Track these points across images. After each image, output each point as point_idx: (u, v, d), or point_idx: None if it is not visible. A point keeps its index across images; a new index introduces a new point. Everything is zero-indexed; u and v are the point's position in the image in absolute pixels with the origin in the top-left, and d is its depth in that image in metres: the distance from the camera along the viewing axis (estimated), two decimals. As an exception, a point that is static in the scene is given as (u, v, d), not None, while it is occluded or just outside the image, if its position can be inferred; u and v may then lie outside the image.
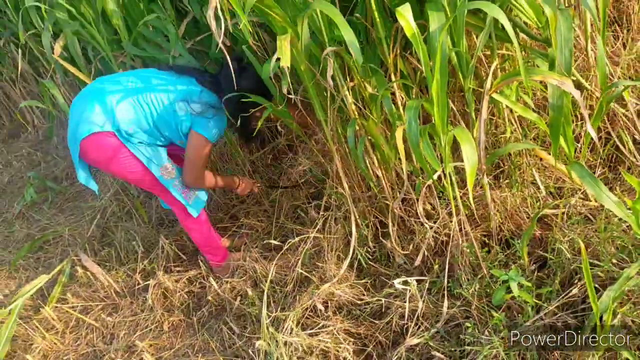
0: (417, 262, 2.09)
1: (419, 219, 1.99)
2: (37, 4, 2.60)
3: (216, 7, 1.42)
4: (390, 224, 2.14)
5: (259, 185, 2.80)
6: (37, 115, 4.87)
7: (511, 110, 2.07)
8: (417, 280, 1.96)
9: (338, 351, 1.88)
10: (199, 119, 2.20)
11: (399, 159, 1.96)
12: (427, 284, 1.98)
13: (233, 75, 1.84)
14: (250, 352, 2.05)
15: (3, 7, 3.58)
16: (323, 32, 1.82)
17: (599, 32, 1.74)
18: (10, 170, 4.57)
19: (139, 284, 2.71)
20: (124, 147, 2.20)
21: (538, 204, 2.07)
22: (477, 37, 1.97)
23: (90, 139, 2.16)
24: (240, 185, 2.65)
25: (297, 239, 2.31)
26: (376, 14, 1.82)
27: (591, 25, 1.94)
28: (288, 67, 1.55)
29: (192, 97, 2.21)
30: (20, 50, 3.21)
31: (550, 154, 1.84)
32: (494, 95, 1.76)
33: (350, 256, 2.16)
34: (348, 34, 1.57)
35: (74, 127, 2.19)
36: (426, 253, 2.09)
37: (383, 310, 2.01)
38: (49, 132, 4.49)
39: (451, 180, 1.87)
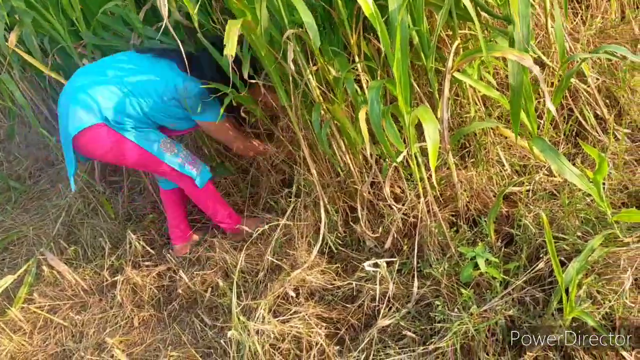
0: (387, 245, 2.09)
1: (388, 202, 2.00)
2: (-12, -5, 2.51)
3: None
4: (360, 208, 2.14)
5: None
6: (-3, 115, 4.73)
7: (475, 90, 2.08)
8: (387, 263, 1.96)
9: (310, 336, 1.87)
10: (191, 106, 2.25)
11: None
12: (397, 266, 1.98)
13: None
14: (223, 343, 2.03)
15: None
16: (283, 15, 1.79)
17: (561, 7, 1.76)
18: (-30, 172, 4.43)
19: (107, 280, 2.65)
20: (118, 135, 2.22)
21: (504, 181, 2.08)
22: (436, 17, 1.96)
23: (82, 134, 2.18)
24: (250, 148, 2.59)
25: (266, 226, 2.29)
26: (336, -6, 1.80)
27: (550, 2, 1.95)
28: (232, 56, 1.51)
29: (177, 88, 2.21)
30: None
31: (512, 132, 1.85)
32: (456, 74, 1.76)
33: (320, 242, 2.15)
34: (306, 15, 1.55)
35: (64, 126, 2.21)
36: (396, 235, 2.09)
37: (354, 294, 2.01)
38: (9, 131, 4.36)
39: (417, 161, 1.87)
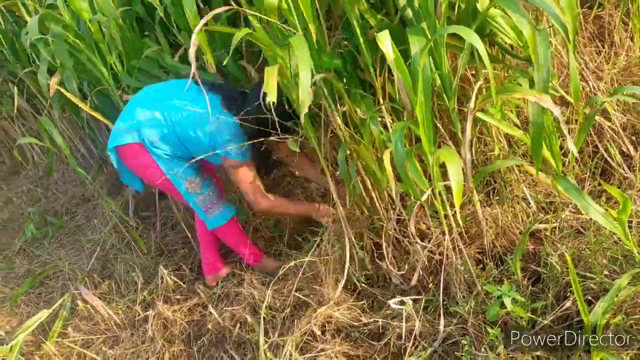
0: (413, 282, 2.11)
1: (413, 239, 2.02)
2: (41, 35, 2.65)
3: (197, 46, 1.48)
4: (385, 245, 2.16)
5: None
6: (37, 152, 4.93)
7: (498, 128, 2.11)
8: (414, 300, 1.97)
9: (337, 374, 1.89)
10: (223, 144, 2.27)
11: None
12: (423, 303, 1.99)
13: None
14: (251, 379, 2.05)
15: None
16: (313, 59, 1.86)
17: (577, 48, 1.79)
18: (10, 207, 4.61)
19: (139, 315, 2.71)
20: (151, 158, 2.36)
21: (529, 219, 2.09)
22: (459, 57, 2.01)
23: (122, 148, 2.38)
24: (320, 210, 2.53)
25: (292, 263, 2.33)
26: (361, 40, 1.87)
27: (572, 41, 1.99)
28: (274, 103, 1.56)
29: (209, 119, 2.26)
30: (16, 88, 3.27)
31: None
32: (479, 114, 1.80)
33: (345, 278, 2.17)
34: (304, 71, 1.56)
35: (110, 138, 2.40)
36: (421, 272, 2.10)
37: (381, 331, 2.02)
38: (48, 168, 4.54)
39: (442, 199, 1.89)
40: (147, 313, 2.62)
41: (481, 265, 2.01)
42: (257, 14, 1.75)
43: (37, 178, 4.83)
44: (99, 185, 3.62)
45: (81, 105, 2.76)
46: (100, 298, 2.89)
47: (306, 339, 2.06)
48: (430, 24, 1.63)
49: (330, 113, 1.98)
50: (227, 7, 1.68)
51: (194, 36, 1.53)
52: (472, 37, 1.48)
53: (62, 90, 2.72)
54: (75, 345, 2.67)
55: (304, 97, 1.56)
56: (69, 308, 2.93)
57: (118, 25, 2.61)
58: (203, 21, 1.63)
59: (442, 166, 1.85)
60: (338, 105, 2.05)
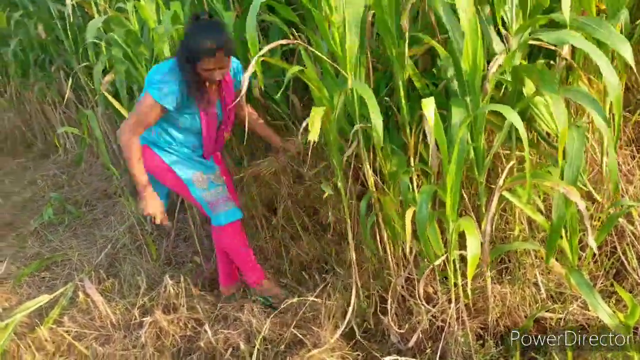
0: (411, 344, 2.11)
1: (419, 301, 2.04)
2: (97, 40, 2.79)
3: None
4: (390, 300, 2.18)
5: (165, 221, 2.52)
6: (70, 141, 5.07)
7: (522, 210, 2.14)
8: (408, 361, 1.97)
9: (319, 420, 1.88)
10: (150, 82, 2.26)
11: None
12: (417, 367, 1.99)
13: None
14: (232, 406, 2.05)
15: (62, 37, 3.83)
16: (355, 108, 1.94)
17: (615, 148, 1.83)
18: (34, 188, 4.72)
19: (135, 319, 2.73)
20: (152, 151, 2.43)
21: (537, 305, 2.09)
22: (494, 135, 2.07)
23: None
24: (145, 199, 2.41)
25: (295, 299, 2.35)
26: (403, 100, 1.94)
27: (607, 141, 2.03)
28: (315, 141, 1.65)
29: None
30: (70, 80, 3.41)
31: (555, 259, 1.89)
32: (505, 193, 1.83)
33: (345, 326, 2.19)
34: (376, 118, 1.67)
35: None
36: (421, 335, 2.11)
37: (370, 386, 2.02)
38: (78, 158, 4.67)
39: (455, 267, 1.92)
40: (144, 319, 2.65)
41: (481, 341, 2.02)
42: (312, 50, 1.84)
43: (64, 165, 4.96)
44: (124, 184, 3.70)
45: (122, 111, 2.86)
46: (101, 294, 2.93)
47: (295, 377, 2.07)
48: (473, 99, 1.69)
49: (363, 161, 2.04)
50: (285, 41, 1.78)
51: (252, 64, 1.62)
52: (514, 118, 1.53)
53: (107, 94, 2.83)
54: (68, 335, 2.69)
55: (378, 140, 1.70)
56: (70, 298, 2.96)
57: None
58: (261, 53, 1.73)
59: (460, 235, 1.88)
60: (370, 153, 2.11)
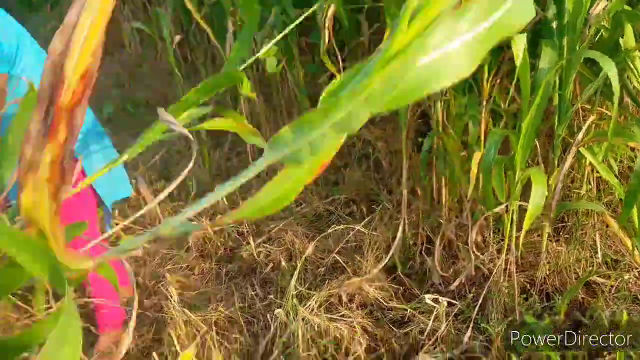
0: (452, 287, 2.09)
1: (467, 245, 1.99)
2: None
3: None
4: (438, 243, 2.14)
5: None
6: (135, 39, 5.07)
7: (592, 169, 2.03)
8: (448, 303, 1.96)
9: (350, 343, 1.91)
10: None
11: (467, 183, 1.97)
12: (455, 310, 1.97)
13: None
14: (268, 317, 2.10)
15: None
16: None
17: None
18: (96, 83, 4.79)
19: (183, 222, 2.80)
20: None
21: (590, 269, 2.02)
22: (579, 87, 1.93)
23: None
24: None
25: (341, 226, 2.34)
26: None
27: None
28: None
29: None
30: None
31: (617, 222, 1.79)
32: (582, 150, 1.73)
33: (388, 259, 2.18)
34: None
35: None
36: (463, 280, 2.08)
37: (405, 320, 2.02)
38: (143, 57, 4.69)
39: (512, 218, 1.85)
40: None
41: (525, 295, 1.97)
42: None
43: (127, 64, 5.00)
44: (183, 92, 3.71)
45: (195, 15, 2.79)
46: (152, 194, 3.00)
47: (332, 300, 2.09)
48: (570, 43, 1.56)
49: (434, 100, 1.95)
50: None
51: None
52: (610, 69, 1.41)
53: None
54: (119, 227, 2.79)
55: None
56: (123, 194, 3.05)
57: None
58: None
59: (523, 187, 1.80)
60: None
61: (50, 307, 1.29)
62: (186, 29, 3.74)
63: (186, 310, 2.09)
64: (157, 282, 2.48)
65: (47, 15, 7.13)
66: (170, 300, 2.14)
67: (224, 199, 2.83)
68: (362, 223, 2.34)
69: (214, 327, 2.10)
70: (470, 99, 1.99)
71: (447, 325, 1.89)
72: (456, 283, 2.06)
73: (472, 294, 2.02)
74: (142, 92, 4.38)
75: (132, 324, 0.74)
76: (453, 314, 1.96)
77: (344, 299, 2.10)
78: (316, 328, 1.91)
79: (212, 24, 3.03)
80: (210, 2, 3.02)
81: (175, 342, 1.97)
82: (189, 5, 2.80)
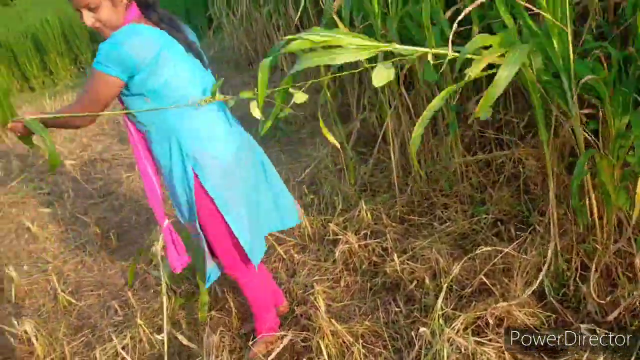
0: (610, 317, 1.96)
1: (627, 272, 1.86)
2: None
3: None
4: (594, 269, 2.02)
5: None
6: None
7: None
8: (605, 334, 1.85)
9: (499, 371, 1.88)
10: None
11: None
12: (614, 343, 1.85)
13: None
14: (412, 335, 2.13)
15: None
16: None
17: None
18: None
19: (329, 235, 2.94)
20: None
21: None
22: None
23: None
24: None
25: (489, 247, 2.30)
26: None
27: None
28: None
29: None
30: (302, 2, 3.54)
31: None
32: None
33: (538, 283, 2.10)
34: None
35: None
36: (623, 312, 1.94)
37: (557, 350, 1.94)
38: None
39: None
40: (338, 237, 2.83)
41: (700, 334, 1.79)
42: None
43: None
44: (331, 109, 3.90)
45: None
46: (302, 208, 3.19)
47: (479, 322, 2.07)
48: None
49: (570, 114, 1.84)
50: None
51: None
52: None
53: (336, 18, 2.89)
54: (271, 237, 2.99)
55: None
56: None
57: None
58: None
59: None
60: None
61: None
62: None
63: (333, 321, 2.20)
64: (305, 291, 2.63)
65: (209, 41, 7.87)
66: (319, 310, 2.26)
67: (368, 213, 2.93)
68: (512, 246, 2.29)
69: (360, 340, 2.18)
70: (636, 117, 1.86)
71: (604, 358, 1.79)
72: (615, 313, 1.93)
73: (634, 327, 1.88)
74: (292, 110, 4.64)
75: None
76: (612, 346, 1.84)
77: (491, 322, 2.06)
78: (462, 350, 1.90)
79: None
80: None
81: (324, 351, 2.08)
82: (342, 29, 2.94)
